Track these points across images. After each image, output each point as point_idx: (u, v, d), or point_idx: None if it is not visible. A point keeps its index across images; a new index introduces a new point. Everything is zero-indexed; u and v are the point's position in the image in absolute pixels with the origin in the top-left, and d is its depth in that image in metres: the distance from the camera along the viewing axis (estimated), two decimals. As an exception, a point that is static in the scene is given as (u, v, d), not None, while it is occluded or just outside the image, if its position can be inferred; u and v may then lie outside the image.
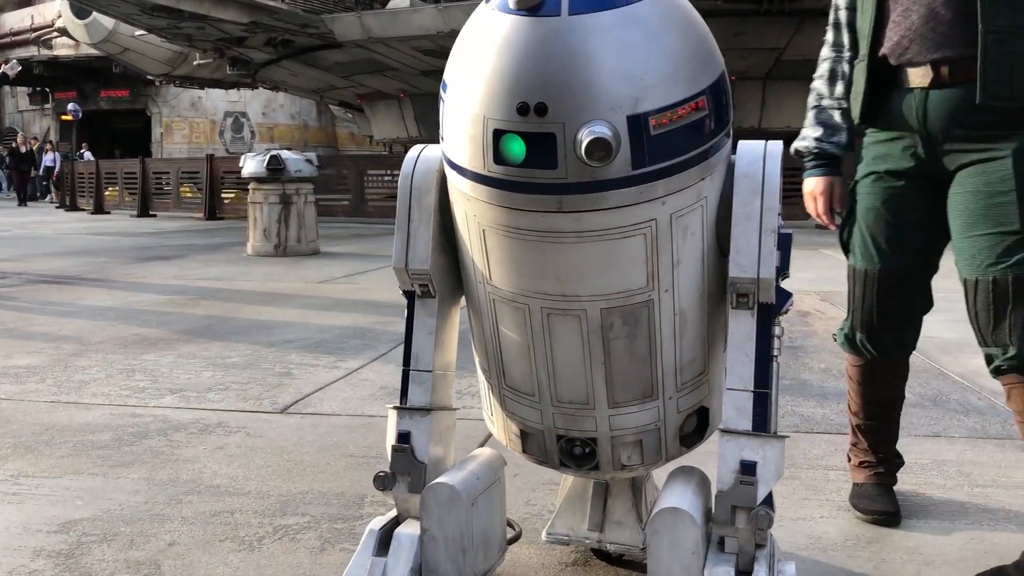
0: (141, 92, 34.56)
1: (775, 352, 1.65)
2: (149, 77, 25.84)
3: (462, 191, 1.57)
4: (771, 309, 1.63)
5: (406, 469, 1.72)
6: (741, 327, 1.62)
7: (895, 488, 2.40)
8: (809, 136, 2.34)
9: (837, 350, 4.29)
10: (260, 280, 7.36)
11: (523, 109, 1.35)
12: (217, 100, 34.79)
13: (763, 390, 1.60)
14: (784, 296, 1.68)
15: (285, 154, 9.31)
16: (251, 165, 9.23)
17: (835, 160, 2.35)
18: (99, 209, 19.61)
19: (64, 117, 33.40)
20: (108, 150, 35.70)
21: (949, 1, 1.99)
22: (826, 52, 2.36)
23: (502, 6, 1.38)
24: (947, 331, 4.78)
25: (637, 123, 1.37)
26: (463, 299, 1.87)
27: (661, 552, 1.55)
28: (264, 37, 18.74)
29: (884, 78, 2.15)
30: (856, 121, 2.24)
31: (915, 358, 4.08)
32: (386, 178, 18.92)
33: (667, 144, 1.41)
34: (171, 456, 2.84)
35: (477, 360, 1.88)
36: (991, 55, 1.92)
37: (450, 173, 1.60)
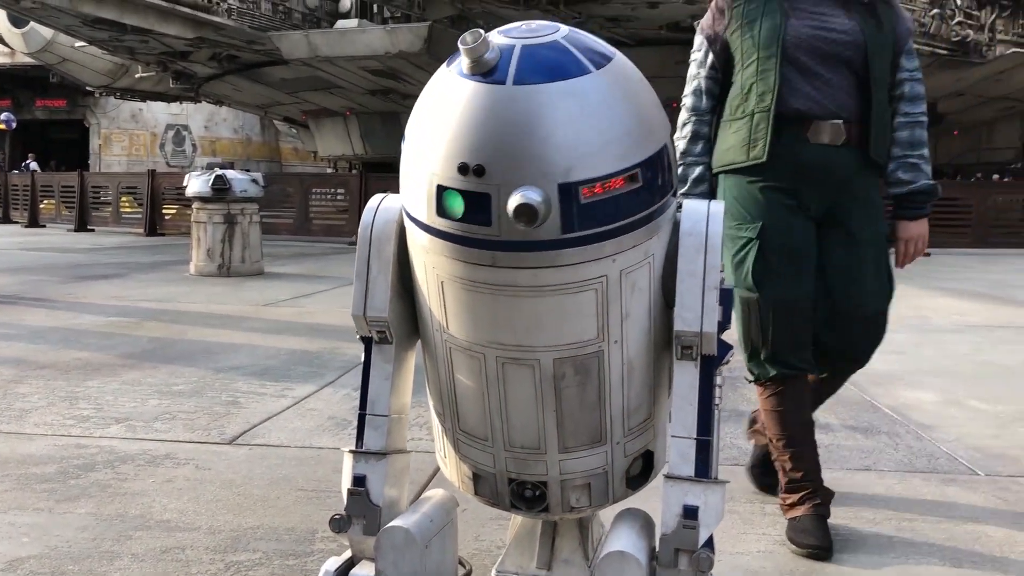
0: (79, 103, 33.88)
1: (716, 401, 1.75)
2: (88, 89, 25.32)
3: (419, 242, 1.64)
4: (713, 361, 1.73)
5: (361, 512, 1.76)
6: (685, 377, 1.71)
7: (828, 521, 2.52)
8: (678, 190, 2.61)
9: (774, 382, 4.43)
10: (204, 302, 7.29)
11: (463, 169, 1.45)
12: (158, 112, 34.25)
13: (705, 437, 1.69)
14: (724, 348, 1.79)
15: (231, 174, 9.23)
16: (196, 185, 9.13)
17: None
18: (34, 222, 19.16)
19: (-3, 126, 32.62)
20: (43, 161, 34.85)
21: (846, 79, 2.40)
22: (686, 116, 2.62)
23: (459, 69, 1.48)
24: (877, 362, 4.97)
25: (568, 191, 1.46)
26: (418, 343, 1.92)
27: (608, 594, 1.62)
28: (209, 52, 18.58)
29: (782, 130, 2.42)
30: (762, 160, 2.43)
31: (847, 390, 4.25)
32: (328, 196, 18.93)
33: (598, 212, 1.50)
34: (119, 490, 2.83)
35: (431, 403, 1.93)
36: (877, 123, 2.41)
37: (408, 224, 1.67)
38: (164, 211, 17.10)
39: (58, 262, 10.78)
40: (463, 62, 1.47)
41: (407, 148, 1.58)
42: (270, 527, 2.54)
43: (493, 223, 1.47)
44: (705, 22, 2.59)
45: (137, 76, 22.30)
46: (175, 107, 32.47)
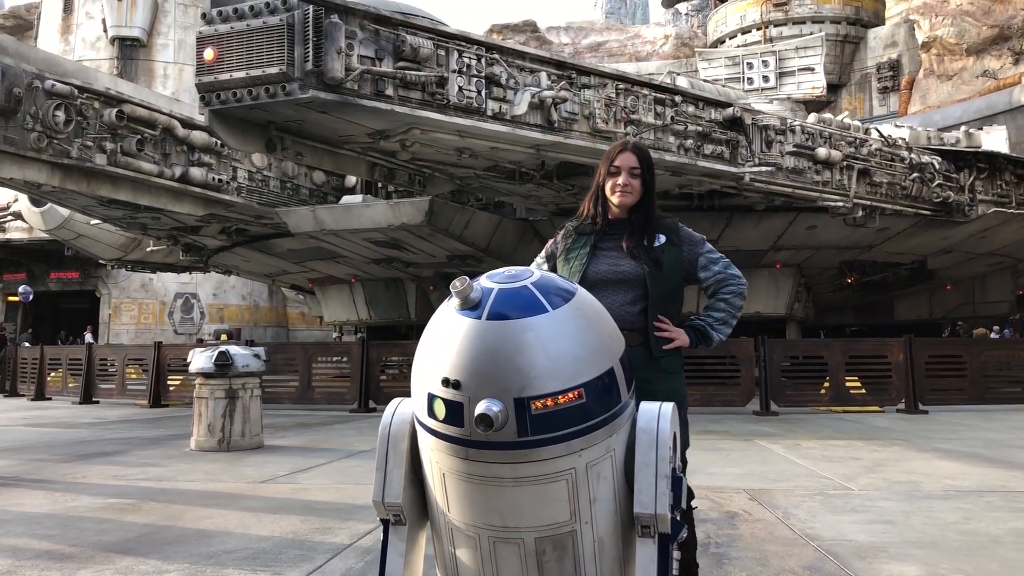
0: (92, 274, 34.83)
1: (673, 572, 2.09)
2: (101, 262, 26.11)
3: (425, 441, 2.04)
4: (668, 537, 2.06)
5: None
6: (645, 553, 2.03)
7: None
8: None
9: (761, 557, 4.48)
10: (202, 480, 7.37)
11: (445, 382, 1.85)
12: (168, 281, 35.14)
13: (664, 605, 1.95)
14: (678, 526, 2.12)
15: (234, 350, 9.48)
16: (199, 361, 9.37)
17: None
18: (40, 395, 19.37)
19: (12, 298, 33.41)
20: (52, 331, 35.52)
21: (634, 301, 3.16)
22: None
23: (455, 305, 1.92)
24: (862, 533, 5.02)
25: (521, 404, 1.84)
26: (428, 524, 2.27)
27: None
28: (218, 226, 19.30)
29: None
30: None
31: (829, 564, 4.29)
32: (331, 363, 19.28)
33: (549, 421, 1.87)
34: None
35: (439, 574, 2.26)
36: (651, 331, 3.15)
37: (416, 424, 2.08)
38: (169, 382, 17.32)
39: (60, 439, 10.89)
40: (453, 300, 1.92)
41: (415, 362, 1.99)
42: None
43: (464, 425, 1.87)
44: (550, 245, 3.44)
45: (148, 249, 23.04)
46: (184, 276, 33.32)
